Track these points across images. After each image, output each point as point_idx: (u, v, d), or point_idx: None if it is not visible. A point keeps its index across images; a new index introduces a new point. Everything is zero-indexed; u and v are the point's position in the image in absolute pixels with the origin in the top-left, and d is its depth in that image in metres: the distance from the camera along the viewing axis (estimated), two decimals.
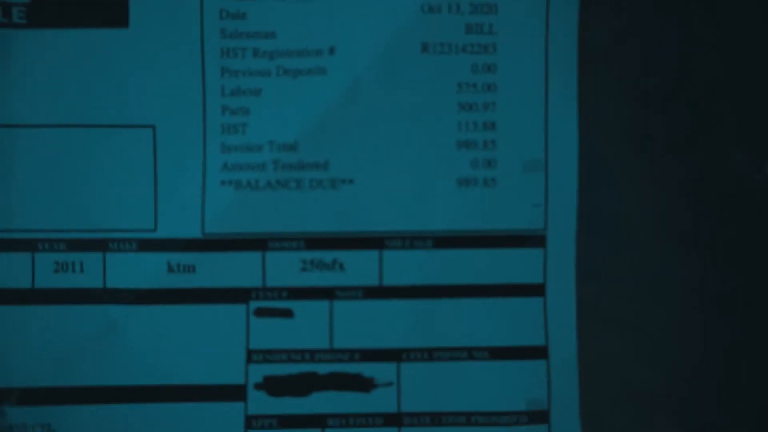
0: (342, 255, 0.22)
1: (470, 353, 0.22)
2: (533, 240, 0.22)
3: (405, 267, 0.22)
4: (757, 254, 0.23)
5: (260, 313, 0.22)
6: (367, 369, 0.22)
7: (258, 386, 0.22)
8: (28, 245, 0.22)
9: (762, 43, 0.23)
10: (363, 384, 0.22)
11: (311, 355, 0.22)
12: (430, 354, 0.22)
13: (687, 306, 0.23)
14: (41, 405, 0.22)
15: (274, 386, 0.22)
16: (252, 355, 0.22)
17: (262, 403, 0.22)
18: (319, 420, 0.22)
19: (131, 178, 0.22)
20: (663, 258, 0.23)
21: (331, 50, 0.22)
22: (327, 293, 0.22)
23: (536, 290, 0.23)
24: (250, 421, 0.22)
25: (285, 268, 0.22)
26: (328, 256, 0.22)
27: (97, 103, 0.22)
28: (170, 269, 0.22)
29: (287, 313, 0.22)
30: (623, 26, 0.23)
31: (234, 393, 0.22)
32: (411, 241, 0.23)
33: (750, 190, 0.23)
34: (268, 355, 0.22)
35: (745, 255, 0.23)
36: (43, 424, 0.22)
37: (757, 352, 0.23)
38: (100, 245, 0.22)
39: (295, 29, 0.22)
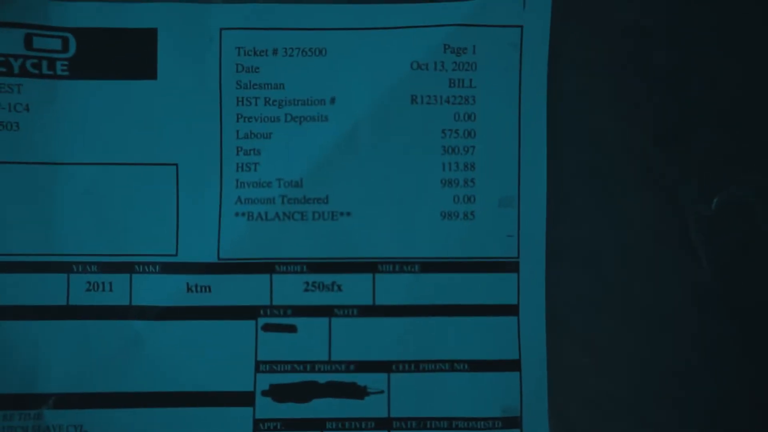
0: (340, 278, 0.25)
1: (452, 365, 0.25)
2: (507, 266, 0.25)
3: (395, 288, 0.25)
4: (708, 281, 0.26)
5: (267, 328, 0.25)
6: (360, 379, 0.25)
7: (265, 393, 0.25)
8: (64, 267, 0.25)
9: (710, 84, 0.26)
10: (357, 392, 0.25)
11: (312, 366, 0.25)
12: (416, 366, 0.25)
13: (644, 324, 0.26)
14: (74, 408, 0.24)
15: (279, 393, 0.25)
16: (260, 366, 0.25)
17: (268, 409, 0.25)
18: (319, 424, 0.25)
19: (156, 209, 0.25)
20: (622, 281, 0.26)
21: (332, 100, 0.25)
22: (326, 311, 0.25)
23: (510, 310, 0.25)
24: (257, 424, 0.25)
25: (290, 289, 0.25)
26: (327, 278, 0.25)
27: (128, 143, 0.25)
28: (189, 289, 0.25)
29: (291, 329, 0.25)
30: (585, 81, 0.26)
31: (243, 399, 0.25)
32: (400, 266, 0.25)
33: (701, 224, 0.26)
34: (274, 366, 0.25)
35: (698, 277, 0.26)
36: (76, 425, 0.24)
37: (715, 364, 0.25)
38: (128, 267, 0.25)
39: (301, 81, 0.25)
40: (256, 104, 0.25)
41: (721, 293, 0.25)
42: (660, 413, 0.25)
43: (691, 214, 0.25)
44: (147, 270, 0.25)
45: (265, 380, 0.25)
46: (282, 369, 0.25)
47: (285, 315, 0.25)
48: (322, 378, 0.25)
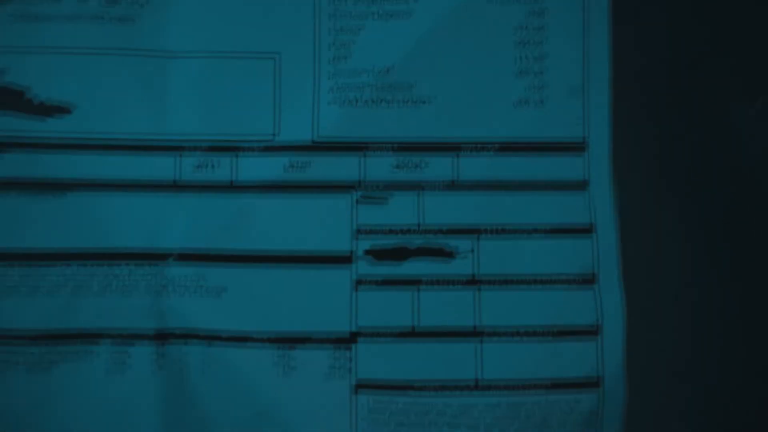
0: (426, 157, 0.28)
1: (531, 232, 0.28)
2: (575, 147, 0.28)
3: (475, 167, 0.28)
4: None
5: (362, 200, 0.28)
6: (450, 242, 0.28)
7: (363, 254, 0.27)
8: (174, 148, 0.28)
9: None
10: (448, 253, 0.28)
11: (405, 231, 0.28)
12: (500, 230, 0.28)
13: None
14: (195, 262, 0.27)
15: (376, 255, 0.27)
16: (357, 231, 0.28)
17: (367, 268, 0.27)
18: (414, 281, 0.27)
19: (258, 96, 0.28)
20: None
21: None
22: (415, 186, 0.28)
23: (579, 185, 0.28)
24: (358, 282, 0.27)
25: (380, 167, 0.28)
26: (415, 157, 0.28)
27: (233, 36, 0.28)
28: (288, 167, 0.28)
29: (384, 200, 0.28)
30: None
31: (344, 260, 0.27)
32: (480, 146, 0.28)
33: None
34: (371, 231, 0.27)
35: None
36: (197, 277, 0.27)
37: None
38: (232, 149, 0.28)
39: None
40: (347, 2, 0.28)
41: None
42: None
43: None
44: (250, 151, 0.27)
45: (363, 243, 0.27)
46: (378, 234, 0.27)
47: (377, 189, 0.27)
48: (414, 242, 0.27)
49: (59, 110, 0.27)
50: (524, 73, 0.28)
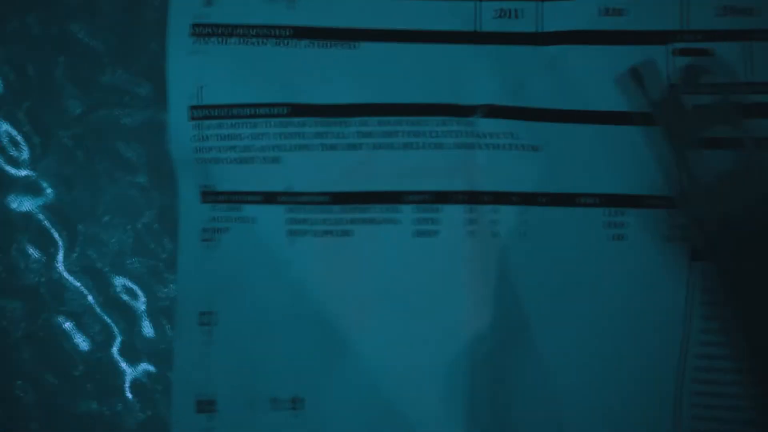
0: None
1: None
2: None
3: None
4: None
5: (679, 52, 0.25)
6: None
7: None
8: None
9: None
10: None
11: (733, 88, 0.24)
12: None
13: None
14: (505, 118, 0.24)
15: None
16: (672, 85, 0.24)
17: None
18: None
19: None
20: None
21: None
22: (743, 35, 0.24)
23: None
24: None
25: (703, 13, 0.24)
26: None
27: None
28: (601, 13, 0.24)
29: (705, 53, 0.24)
30: None
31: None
32: None
33: None
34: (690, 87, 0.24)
35: None
36: (508, 133, 0.24)
37: None
38: None
39: None
40: None
41: None
42: None
43: None
44: None
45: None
46: (702, 91, 0.24)
47: (696, 40, 0.24)
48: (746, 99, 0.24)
49: None
50: None
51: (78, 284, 0.26)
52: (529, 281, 0.24)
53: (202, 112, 0.25)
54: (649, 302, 0.24)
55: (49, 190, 0.26)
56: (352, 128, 0.24)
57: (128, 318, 0.26)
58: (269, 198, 0.25)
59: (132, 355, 0.26)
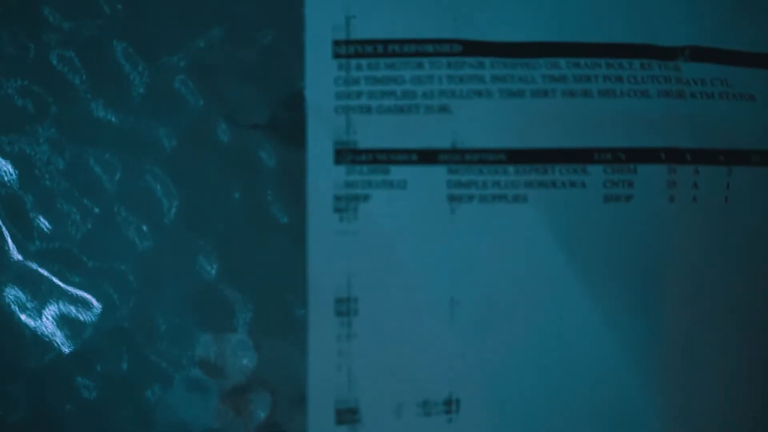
0: None
1: None
2: None
3: None
4: None
5: None
6: None
7: None
8: None
9: None
10: None
11: None
12: None
13: None
14: (716, 63, 0.21)
15: None
16: None
17: None
18: None
19: None
20: None
21: None
22: None
23: None
24: None
25: None
26: None
27: None
28: None
29: None
30: None
31: None
32: None
33: None
34: None
35: None
36: (722, 79, 0.21)
37: None
38: None
39: None
40: None
41: None
42: None
43: None
44: None
45: None
46: None
47: None
48: None
49: None
50: None
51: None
52: (732, 252, 0.20)
53: (350, 49, 0.20)
54: None
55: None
56: (539, 71, 0.20)
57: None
58: (427, 156, 0.20)
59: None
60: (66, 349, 0.21)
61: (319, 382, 0.20)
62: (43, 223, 0.21)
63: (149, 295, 0.21)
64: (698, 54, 0.20)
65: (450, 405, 0.20)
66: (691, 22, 0.21)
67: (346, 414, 0.20)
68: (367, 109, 0.20)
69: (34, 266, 0.21)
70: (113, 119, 0.21)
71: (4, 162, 0.21)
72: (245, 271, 0.21)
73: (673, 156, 0.20)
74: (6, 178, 0.21)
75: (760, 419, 0.21)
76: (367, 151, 0.20)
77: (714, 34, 0.21)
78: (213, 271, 0.21)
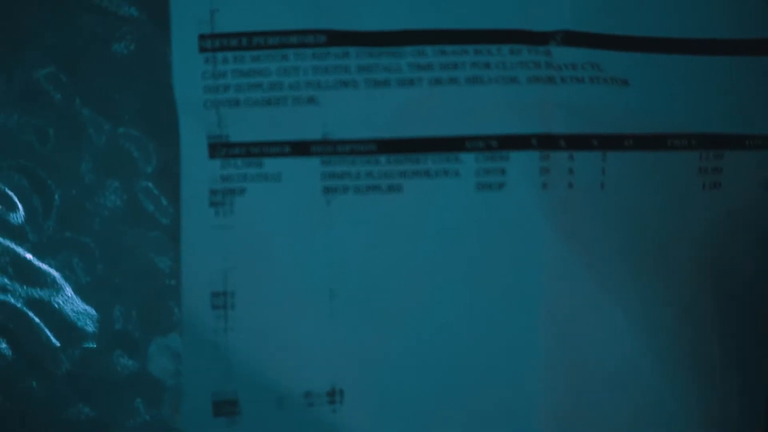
0: None
1: None
2: None
3: None
4: None
5: None
6: None
7: None
8: None
9: None
10: None
11: None
12: None
13: None
14: (587, 47, 0.21)
15: None
16: None
17: None
18: None
19: None
20: None
21: None
22: None
23: None
24: None
25: None
26: None
27: None
28: None
29: None
30: None
31: None
32: None
33: None
34: None
35: None
36: (592, 63, 0.21)
37: None
38: None
39: None
40: None
41: None
42: None
43: None
44: None
45: None
46: None
47: None
48: None
49: None
50: None
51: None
52: (610, 238, 0.20)
53: (216, 42, 0.20)
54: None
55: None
56: (405, 60, 0.20)
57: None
58: (300, 148, 0.20)
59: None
60: None
61: (194, 374, 0.20)
62: None
63: (30, 295, 0.21)
64: (570, 38, 0.20)
65: (333, 395, 0.21)
66: (564, 7, 0.20)
67: (225, 406, 0.20)
68: (236, 103, 0.20)
69: None
70: None
71: None
72: (126, 269, 0.21)
73: (545, 142, 0.20)
74: None
75: (643, 408, 0.21)
76: (240, 145, 0.20)
77: (587, 18, 0.20)
78: (96, 270, 0.21)
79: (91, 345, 0.21)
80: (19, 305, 0.21)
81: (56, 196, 0.21)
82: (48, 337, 0.21)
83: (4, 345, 0.21)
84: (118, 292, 0.21)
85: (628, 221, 0.21)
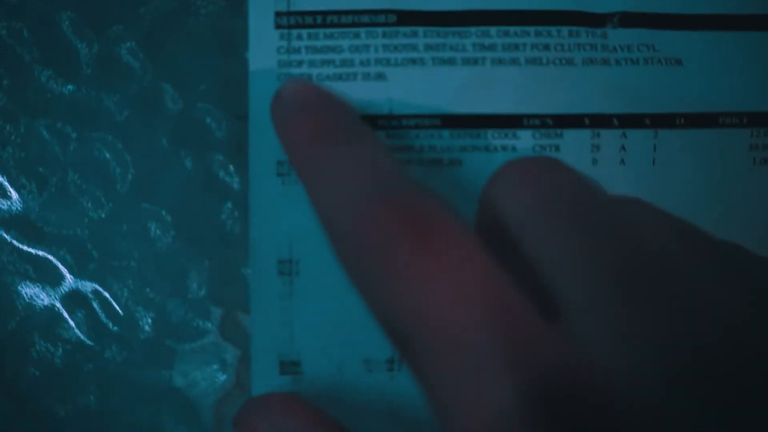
0: None
1: None
2: None
3: None
4: None
5: None
6: None
7: None
8: None
9: None
10: None
11: None
12: None
13: None
14: (644, 27, 0.22)
15: None
16: None
17: None
18: None
19: None
20: None
21: None
22: None
23: None
24: None
25: None
26: None
27: None
28: None
29: None
30: None
31: None
32: None
33: None
34: None
35: None
36: (648, 44, 0.22)
37: None
38: None
39: None
40: None
41: None
42: None
43: None
44: None
45: None
46: None
47: None
48: None
49: None
50: None
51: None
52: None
53: (291, 20, 0.21)
54: None
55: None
56: (470, 39, 0.21)
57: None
58: (367, 122, 0.21)
59: None
60: (27, 315, 0.22)
61: (262, 336, 0.21)
62: (2, 190, 0.22)
63: (107, 261, 0.22)
64: (627, 20, 0.21)
65: (392, 363, 0.21)
66: None
67: (289, 366, 0.21)
68: (308, 77, 0.21)
69: None
70: (64, 90, 0.22)
71: None
72: (198, 236, 0.22)
73: (598, 121, 0.21)
74: None
75: None
76: None
77: None
78: (168, 238, 0.22)
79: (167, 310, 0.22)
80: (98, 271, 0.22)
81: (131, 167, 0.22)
82: (126, 303, 0.22)
83: (81, 314, 0.22)
84: (192, 258, 0.22)
85: (678, 197, 0.22)
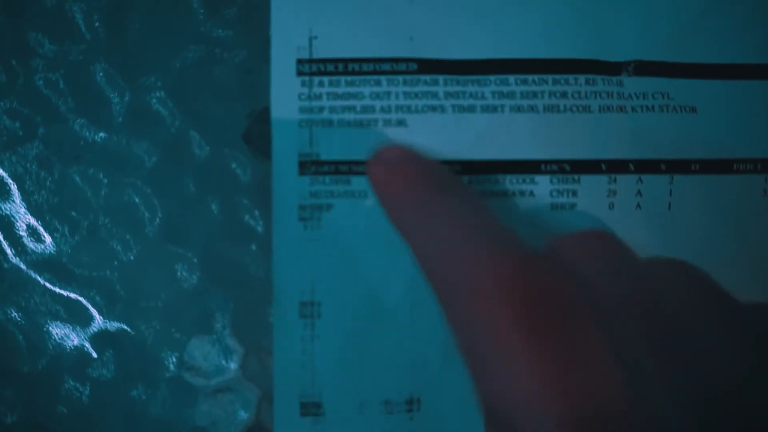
0: None
1: None
2: None
3: None
4: None
5: None
6: None
7: None
8: None
9: None
10: None
11: None
12: None
13: None
14: (657, 76, 0.22)
15: None
16: None
17: None
18: None
19: None
20: None
21: None
22: None
23: None
24: None
25: None
26: None
27: None
28: None
29: None
30: None
31: None
32: None
33: None
34: None
35: None
36: (662, 93, 0.22)
37: None
38: None
39: None
40: None
41: None
42: None
43: None
44: None
45: None
46: None
47: None
48: None
49: None
50: None
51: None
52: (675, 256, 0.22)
53: (313, 67, 0.21)
54: None
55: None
56: (489, 87, 0.21)
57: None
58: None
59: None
60: (58, 354, 0.23)
61: (284, 377, 0.22)
62: (36, 234, 0.23)
63: (134, 302, 0.23)
64: (642, 68, 0.22)
65: (411, 404, 0.22)
66: (637, 37, 0.22)
67: (311, 407, 0.22)
68: (329, 123, 0.22)
69: (29, 275, 0.22)
70: (96, 138, 0.23)
71: None
72: (223, 277, 0.23)
73: (614, 167, 0.22)
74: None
75: None
76: (329, 163, 0.22)
77: (657, 46, 0.22)
78: (194, 279, 0.23)
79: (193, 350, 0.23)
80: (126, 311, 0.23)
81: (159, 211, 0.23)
82: (152, 342, 0.23)
83: (109, 354, 0.23)
84: (216, 299, 0.23)
85: (694, 241, 0.22)
